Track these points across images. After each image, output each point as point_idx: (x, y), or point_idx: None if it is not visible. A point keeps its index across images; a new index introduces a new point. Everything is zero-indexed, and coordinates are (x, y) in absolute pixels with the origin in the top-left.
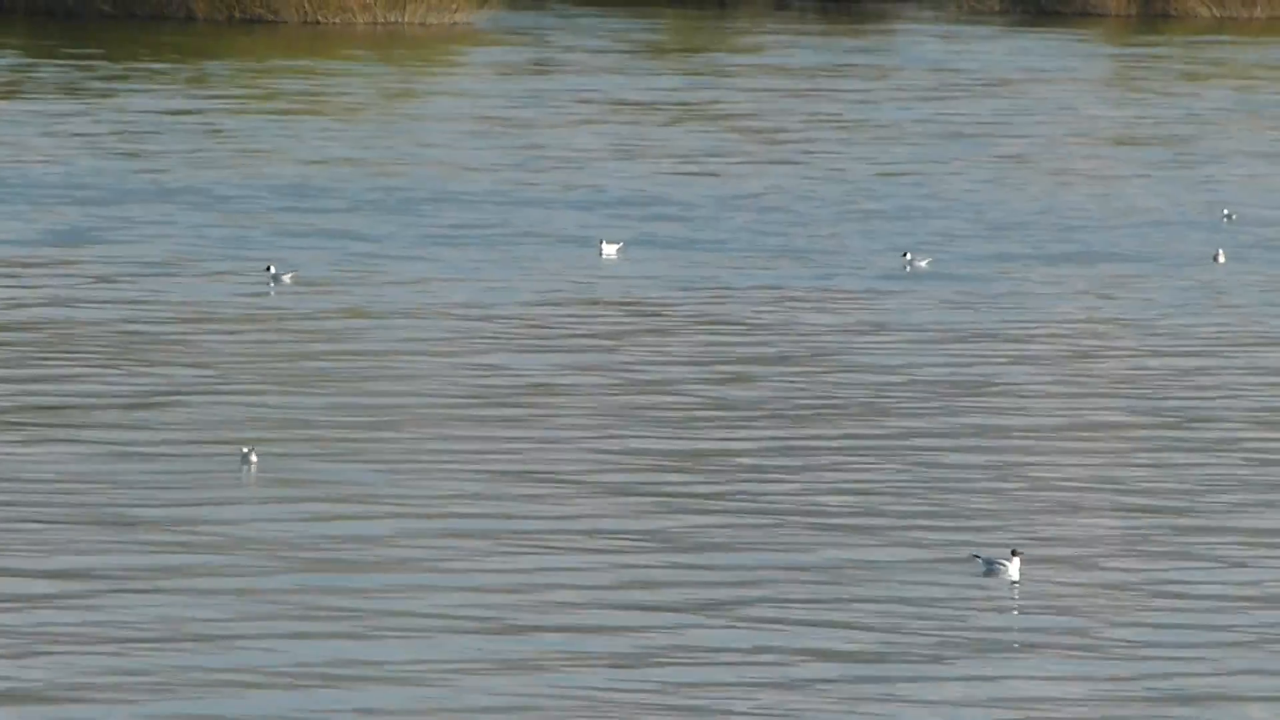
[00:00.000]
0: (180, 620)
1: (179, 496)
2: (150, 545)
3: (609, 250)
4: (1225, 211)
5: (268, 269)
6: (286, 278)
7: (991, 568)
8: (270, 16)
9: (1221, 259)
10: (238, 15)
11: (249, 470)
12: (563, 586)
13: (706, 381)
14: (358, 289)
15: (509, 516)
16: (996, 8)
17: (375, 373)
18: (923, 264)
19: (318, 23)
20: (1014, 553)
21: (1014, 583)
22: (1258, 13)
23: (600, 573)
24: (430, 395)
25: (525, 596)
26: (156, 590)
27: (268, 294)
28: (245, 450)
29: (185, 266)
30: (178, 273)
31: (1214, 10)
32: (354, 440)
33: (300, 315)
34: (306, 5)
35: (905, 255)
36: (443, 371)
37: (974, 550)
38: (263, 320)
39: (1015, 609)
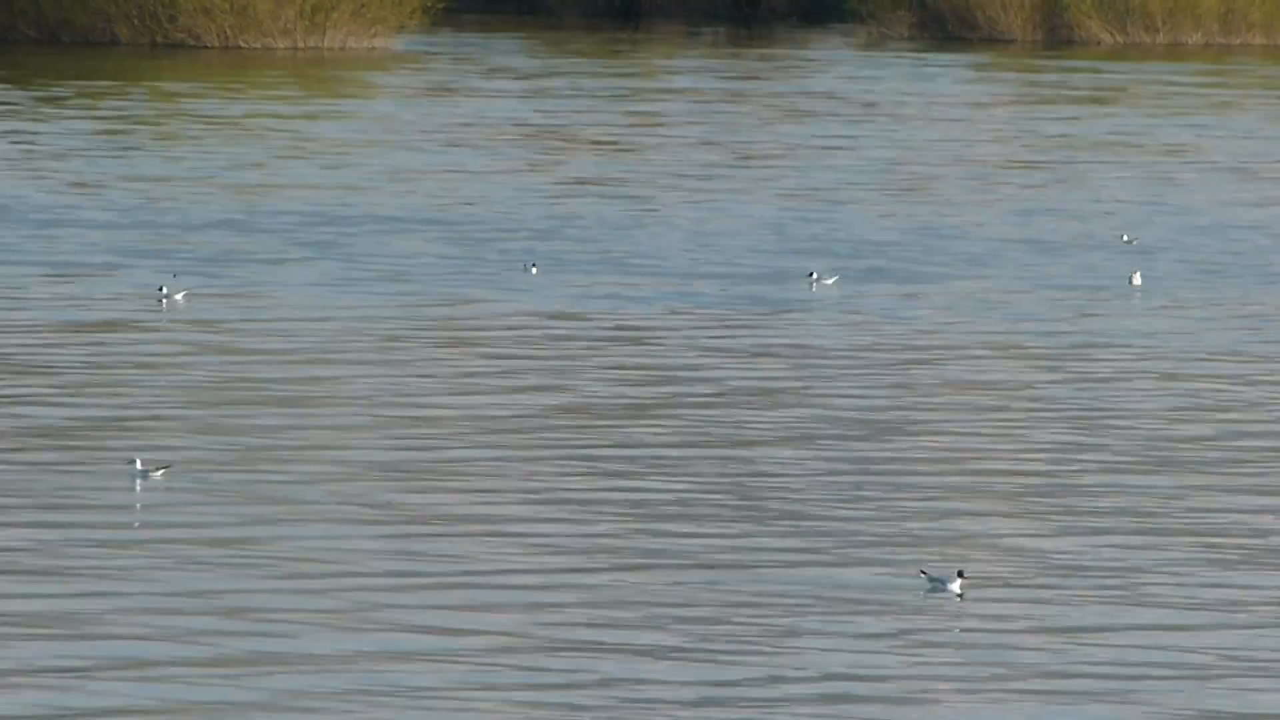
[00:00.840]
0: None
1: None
2: None
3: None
4: (1125, 236)
5: (160, 288)
6: (179, 296)
7: (936, 585)
8: (192, 42)
9: (1138, 280)
10: (160, 40)
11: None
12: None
13: (497, 391)
14: (245, 306)
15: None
16: (906, 34)
17: (236, 381)
18: (829, 282)
19: (239, 48)
20: (960, 574)
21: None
22: (1160, 38)
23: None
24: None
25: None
26: None
27: (160, 311)
28: (139, 465)
29: (76, 284)
30: (66, 291)
31: (1116, 36)
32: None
33: (190, 330)
34: (227, 30)
35: (811, 275)
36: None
37: (921, 568)
38: (154, 334)
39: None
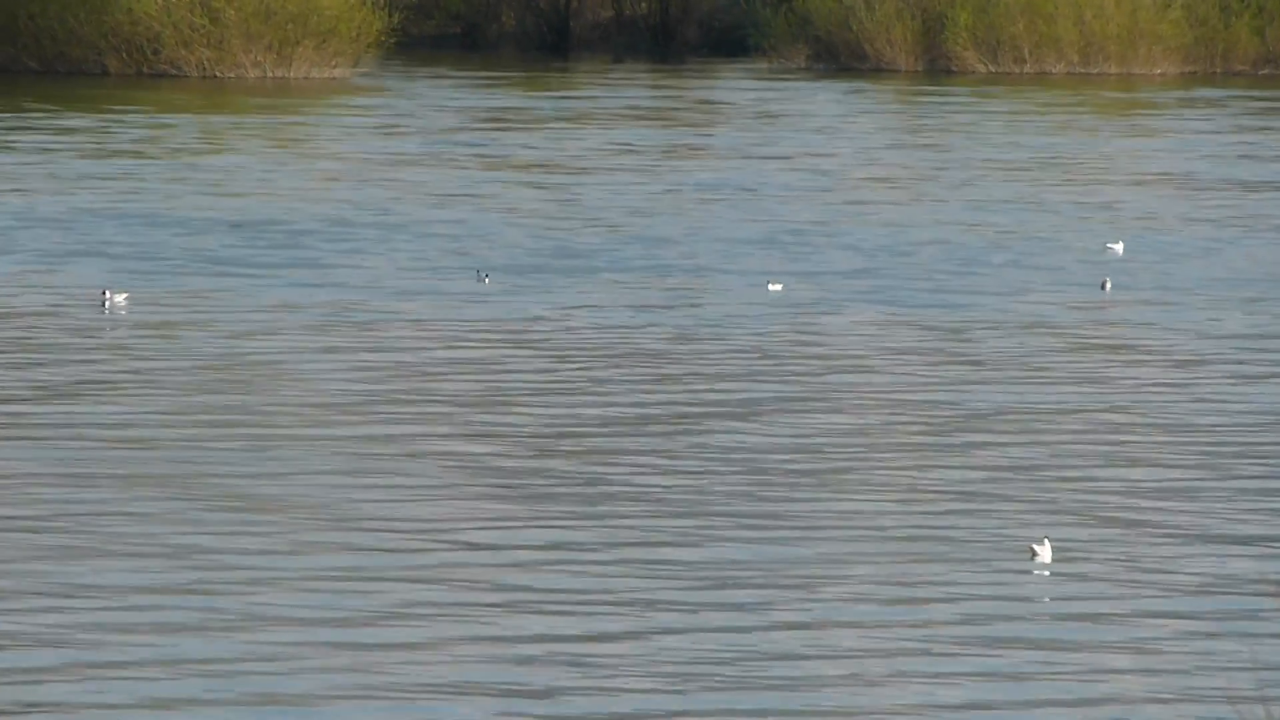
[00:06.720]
0: None
1: None
2: None
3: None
4: (1108, 244)
5: (103, 292)
6: (120, 298)
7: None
8: (174, 72)
9: (1109, 287)
10: (146, 70)
11: None
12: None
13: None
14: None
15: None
16: (803, 64)
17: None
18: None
19: (215, 77)
20: (1044, 539)
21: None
22: (1027, 68)
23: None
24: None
25: None
26: None
27: (102, 314)
28: None
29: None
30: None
31: (989, 66)
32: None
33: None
34: (205, 61)
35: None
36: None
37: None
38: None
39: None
